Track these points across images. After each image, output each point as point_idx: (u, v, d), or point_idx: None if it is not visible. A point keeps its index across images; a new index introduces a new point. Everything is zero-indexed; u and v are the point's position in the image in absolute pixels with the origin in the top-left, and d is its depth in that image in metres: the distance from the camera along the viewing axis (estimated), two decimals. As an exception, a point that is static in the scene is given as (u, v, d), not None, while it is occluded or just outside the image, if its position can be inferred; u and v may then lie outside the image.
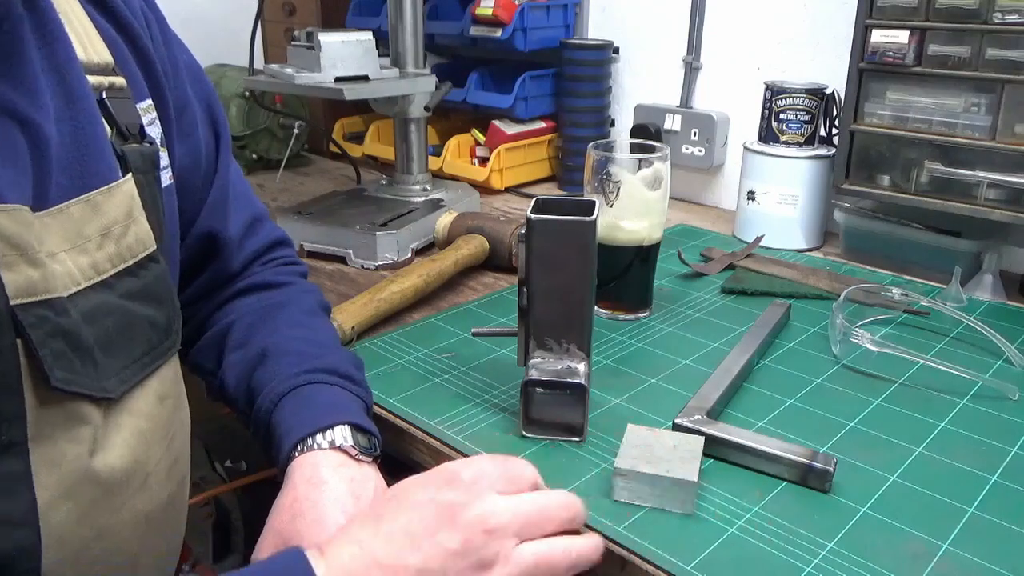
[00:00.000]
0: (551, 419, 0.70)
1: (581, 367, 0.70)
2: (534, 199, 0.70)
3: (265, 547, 0.57)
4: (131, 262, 0.55)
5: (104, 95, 0.55)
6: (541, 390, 0.70)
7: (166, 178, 0.62)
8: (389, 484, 0.66)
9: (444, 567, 0.48)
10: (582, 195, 0.75)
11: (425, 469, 0.72)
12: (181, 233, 0.67)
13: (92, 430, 0.50)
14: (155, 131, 0.61)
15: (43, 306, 0.47)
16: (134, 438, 0.54)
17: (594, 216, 0.67)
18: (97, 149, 0.53)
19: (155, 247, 0.57)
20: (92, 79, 0.54)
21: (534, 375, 0.69)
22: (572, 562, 0.52)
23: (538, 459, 0.67)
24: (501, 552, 0.49)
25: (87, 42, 0.55)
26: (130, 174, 0.55)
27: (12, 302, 0.45)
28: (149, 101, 0.61)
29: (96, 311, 0.51)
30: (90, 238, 0.51)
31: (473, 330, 0.79)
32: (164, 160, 0.62)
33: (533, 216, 0.67)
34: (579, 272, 0.69)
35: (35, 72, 0.49)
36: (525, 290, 0.69)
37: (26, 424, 0.46)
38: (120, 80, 0.57)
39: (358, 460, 0.62)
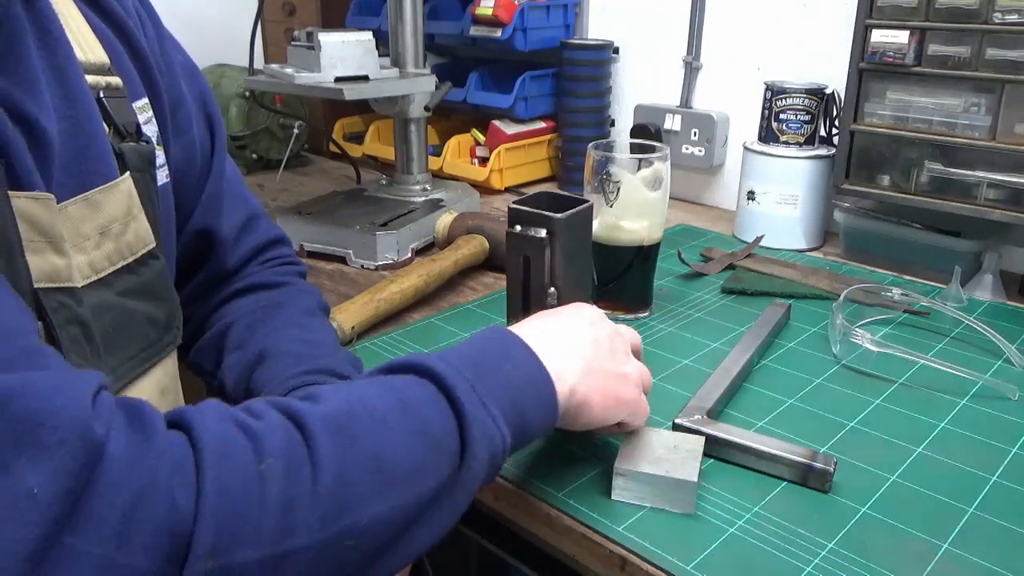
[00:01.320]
0: None
1: None
2: (510, 208, 0.71)
3: None
4: (130, 259, 0.55)
5: (101, 94, 0.56)
6: None
7: (162, 176, 0.62)
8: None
9: (610, 346, 0.60)
10: (574, 194, 0.76)
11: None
12: (177, 230, 0.67)
13: None
14: (151, 130, 0.61)
15: (63, 293, 0.48)
16: None
17: (587, 200, 0.69)
18: (97, 148, 0.53)
19: (154, 244, 0.57)
20: (89, 79, 0.55)
21: None
22: (643, 403, 0.64)
23: (540, 458, 0.67)
24: (639, 377, 0.62)
25: (83, 42, 0.56)
26: (128, 172, 0.56)
27: (36, 285, 0.46)
28: (145, 100, 0.61)
29: (96, 308, 0.51)
30: (88, 236, 0.52)
31: None
32: (160, 158, 0.62)
33: (558, 216, 0.68)
34: (586, 255, 0.71)
35: (36, 72, 0.49)
36: (553, 291, 0.69)
37: None
38: (116, 80, 0.57)
39: None
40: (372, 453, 0.43)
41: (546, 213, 0.68)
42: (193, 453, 0.38)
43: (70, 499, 0.34)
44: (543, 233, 0.68)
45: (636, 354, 0.65)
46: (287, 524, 0.39)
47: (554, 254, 0.69)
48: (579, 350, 0.58)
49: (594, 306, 0.65)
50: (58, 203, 0.50)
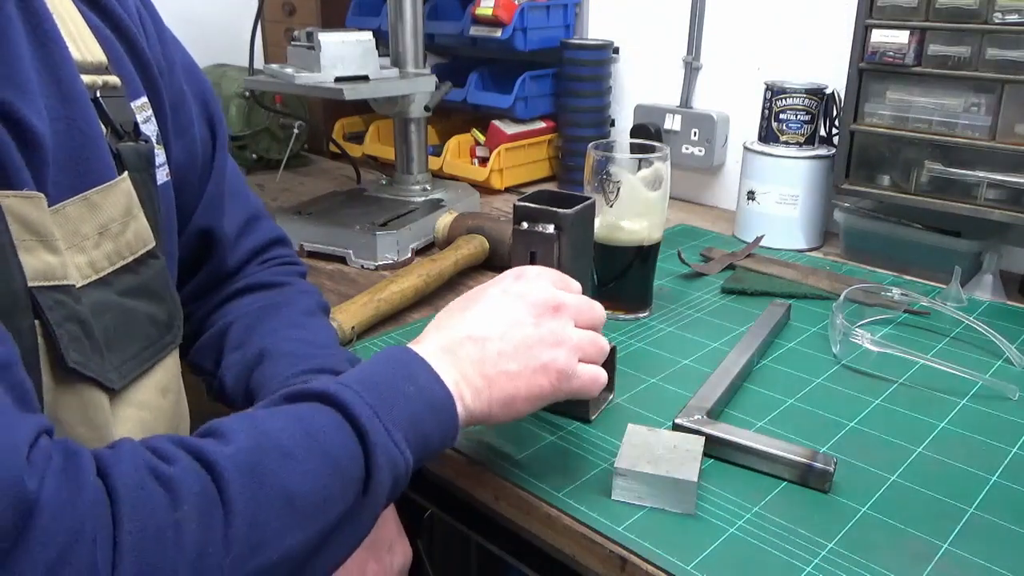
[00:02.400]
0: (598, 393, 0.74)
1: None
2: (515, 206, 0.71)
3: None
4: (130, 259, 0.55)
5: (98, 94, 0.55)
6: None
7: (162, 175, 0.62)
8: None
9: (523, 337, 0.58)
10: (570, 192, 0.77)
11: (424, 469, 0.72)
12: (178, 230, 0.67)
13: (103, 416, 0.51)
14: (150, 129, 0.61)
15: (59, 291, 0.48)
16: (138, 429, 0.55)
17: (589, 197, 0.71)
18: (93, 148, 0.53)
19: (154, 243, 0.58)
20: (86, 78, 0.55)
21: None
22: (601, 352, 0.62)
23: (539, 458, 0.67)
24: (565, 330, 0.59)
25: (80, 42, 0.56)
26: (126, 172, 0.56)
27: (30, 284, 0.46)
28: (144, 99, 0.61)
29: (96, 308, 0.51)
30: (87, 236, 0.52)
31: None
32: (160, 157, 0.62)
33: (567, 211, 0.68)
34: (589, 250, 0.74)
35: (27, 72, 0.49)
36: None
37: (43, 405, 0.47)
38: (114, 79, 0.57)
39: None
40: (282, 490, 0.44)
41: (554, 209, 0.69)
42: (110, 504, 0.39)
43: None
44: (551, 229, 0.69)
45: (584, 317, 0.62)
46: (202, 571, 0.40)
47: (562, 249, 0.69)
48: (490, 351, 0.57)
49: (537, 268, 0.63)
50: (56, 203, 0.50)
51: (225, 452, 0.43)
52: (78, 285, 0.51)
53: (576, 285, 0.64)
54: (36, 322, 0.46)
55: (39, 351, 0.47)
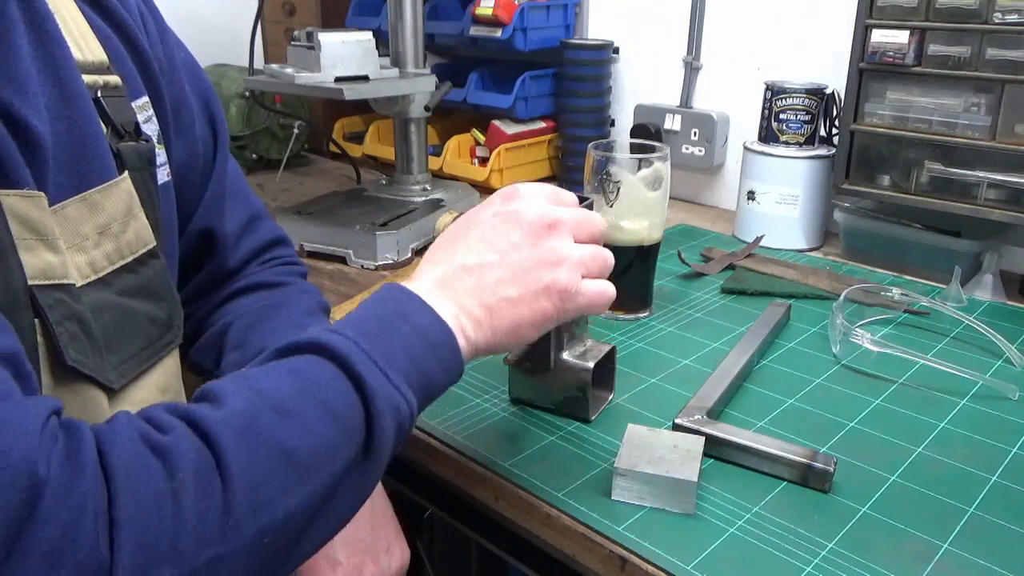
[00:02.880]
0: (597, 392, 0.75)
1: (591, 340, 0.75)
2: None
3: None
4: (130, 259, 0.55)
5: (99, 94, 0.55)
6: (597, 371, 0.72)
7: (163, 175, 0.62)
8: (385, 485, 0.66)
9: (520, 260, 0.56)
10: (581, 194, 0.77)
11: (424, 469, 0.72)
12: (179, 231, 0.67)
13: (102, 415, 0.51)
14: (151, 128, 0.61)
15: (60, 290, 0.48)
16: None
17: (588, 196, 0.71)
18: (93, 148, 0.53)
19: (155, 243, 0.58)
20: (87, 78, 0.55)
21: (591, 361, 0.71)
22: (605, 265, 0.60)
23: (539, 458, 0.67)
24: (564, 247, 0.57)
25: (82, 41, 0.56)
26: (127, 172, 0.56)
27: (30, 283, 0.46)
28: (145, 99, 0.61)
29: (95, 308, 0.52)
30: (87, 236, 0.52)
31: (506, 358, 0.76)
32: (161, 157, 0.62)
33: None
34: None
35: (28, 72, 0.49)
36: None
37: None
38: (115, 79, 0.57)
39: None
40: (280, 447, 0.43)
41: None
42: (105, 480, 0.39)
43: (7, 536, 0.35)
44: None
45: (582, 230, 0.59)
46: (204, 537, 0.40)
47: None
48: (487, 279, 0.55)
49: (528, 185, 0.61)
50: (57, 203, 0.50)
51: (218, 416, 0.43)
52: (78, 285, 0.51)
53: (571, 197, 0.62)
54: (36, 320, 0.47)
55: (39, 349, 0.47)
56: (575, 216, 0.59)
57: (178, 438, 0.41)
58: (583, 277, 0.57)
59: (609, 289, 0.59)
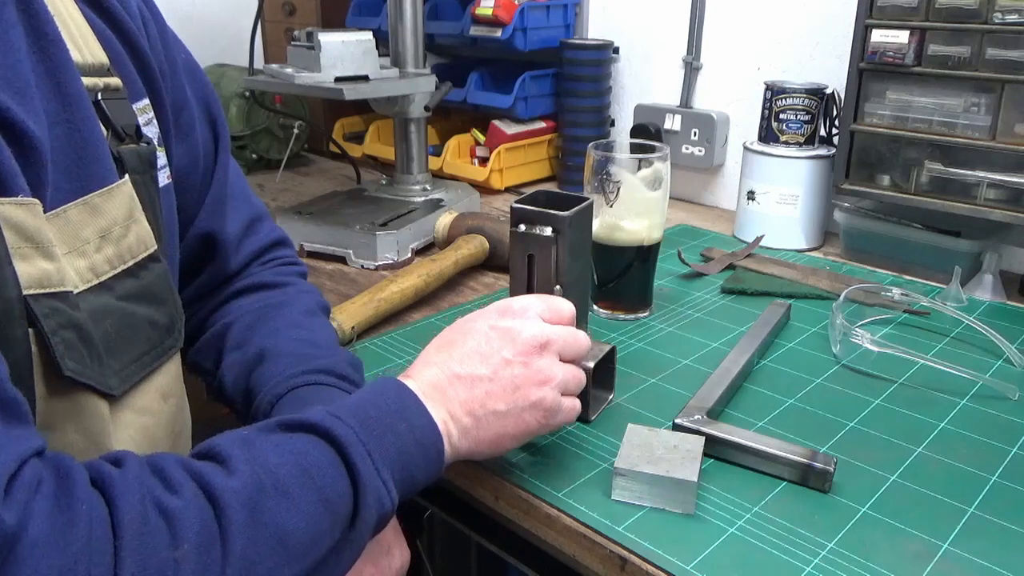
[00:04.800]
0: (597, 393, 0.75)
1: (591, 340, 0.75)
2: (512, 208, 0.71)
3: None
4: (131, 263, 0.55)
5: (99, 96, 0.55)
6: (597, 371, 0.72)
7: (164, 178, 0.62)
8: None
9: (511, 377, 0.58)
10: (569, 192, 0.77)
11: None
12: (180, 233, 0.67)
13: (100, 423, 0.51)
14: (152, 131, 0.61)
15: (56, 298, 0.47)
16: (139, 434, 0.54)
17: (587, 197, 0.72)
18: (94, 151, 0.53)
19: (156, 247, 0.57)
20: (87, 80, 0.54)
21: (590, 361, 0.71)
22: (580, 384, 0.63)
23: (540, 458, 0.67)
24: (551, 367, 0.60)
25: (82, 43, 0.55)
26: (127, 175, 0.55)
27: (25, 292, 0.45)
28: (146, 101, 0.61)
29: (96, 313, 0.51)
30: (88, 240, 0.51)
31: None
32: (161, 160, 0.62)
33: (565, 213, 0.68)
34: (587, 252, 0.74)
35: (26, 76, 0.49)
36: (559, 288, 0.70)
37: (35, 413, 0.47)
38: (115, 81, 0.57)
39: None
40: (277, 530, 0.45)
41: (552, 211, 0.69)
42: (113, 537, 0.39)
43: None
44: (549, 231, 0.68)
45: (569, 350, 0.62)
46: None
47: (560, 252, 0.69)
48: (478, 391, 0.58)
49: (524, 299, 0.63)
50: (57, 208, 0.50)
51: (230, 486, 0.44)
52: (78, 290, 0.50)
53: (565, 307, 0.64)
54: (30, 330, 0.46)
55: (33, 359, 0.46)
56: (564, 336, 0.62)
57: (187, 503, 0.42)
58: (562, 395, 0.61)
59: (578, 406, 0.63)
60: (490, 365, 0.59)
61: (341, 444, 0.49)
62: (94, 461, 0.43)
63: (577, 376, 0.63)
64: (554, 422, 0.61)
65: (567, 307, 0.64)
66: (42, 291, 0.47)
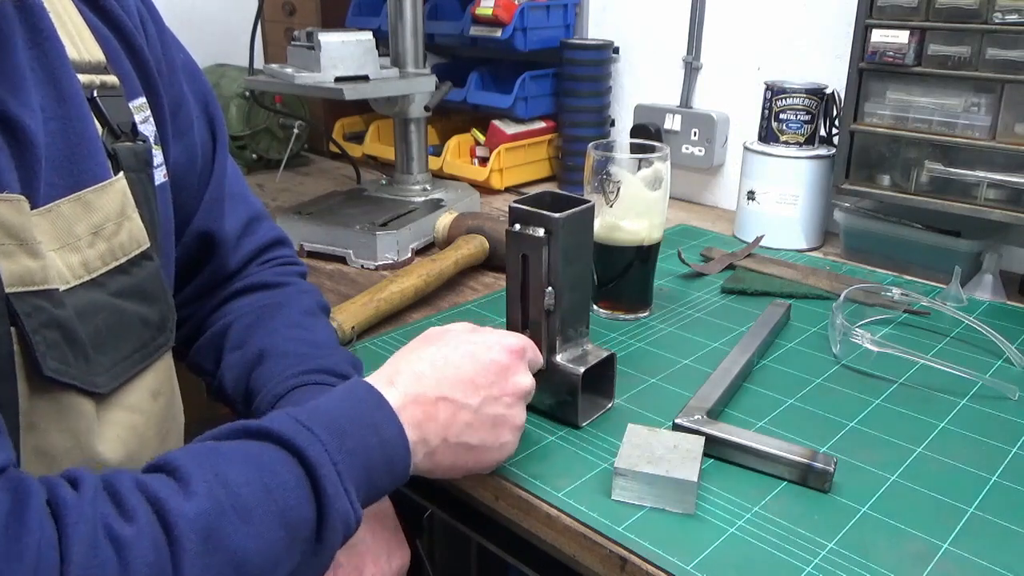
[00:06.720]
0: (592, 398, 0.74)
1: (591, 345, 0.75)
2: (510, 207, 0.71)
3: None
4: (123, 260, 0.55)
5: (95, 94, 0.55)
6: (590, 376, 0.72)
7: (160, 176, 0.62)
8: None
9: (493, 416, 0.60)
10: (574, 194, 0.77)
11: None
12: (177, 232, 0.67)
13: (85, 422, 0.50)
14: (148, 129, 0.61)
15: (39, 296, 0.47)
16: (127, 432, 0.54)
17: (588, 200, 0.71)
18: (87, 148, 0.53)
19: (148, 245, 0.57)
20: (83, 78, 0.54)
21: (583, 367, 0.71)
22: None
23: (539, 458, 0.67)
24: (523, 414, 0.62)
25: (79, 41, 0.55)
26: (122, 172, 0.55)
27: (7, 290, 0.45)
28: (142, 99, 0.61)
29: (86, 309, 0.51)
30: (81, 236, 0.51)
31: None
32: (158, 158, 0.62)
33: (557, 215, 0.68)
34: (587, 255, 0.73)
35: (22, 71, 0.49)
36: (551, 290, 0.70)
37: (18, 413, 0.46)
38: (112, 78, 0.57)
39: None
40: (234, 555, 0.44)
41: (545, 212, 0.69)
42: (60, 569, 0.38)
43: None
44: (541, 232, 0.68)
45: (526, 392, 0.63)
46: None
47: (552, 254, 0.69)
48: (460, 419, 0.58)
49: (518, 338, 0.64)
50: (50, 203, 0.49)
51: (186, 512, 0.43)
52: (69, 286, 0.50)
53: (537, 357, 0.66)
54: (12, 329, 0.45)
55: (14, 358, 0.46)
56: (533, 388, 0.64)
57: (139, 531, 0.41)
58: None
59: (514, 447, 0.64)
60: (478, 397, 0.59)
61: (311, 464, 0.48)
62: (51, 480, 0.42)
63: (521, 425, 0.64)
64: (500, 462, 0.63)
65: (537, 356, 0.66)
66: (25, 289, 0.46)
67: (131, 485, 0.43)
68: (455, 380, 0.58)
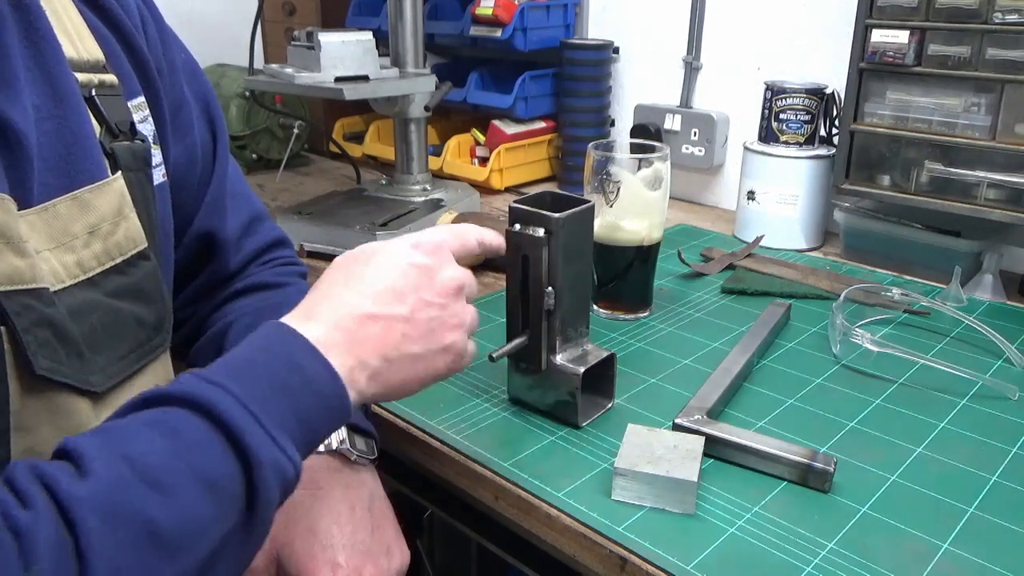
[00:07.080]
0: (592, 398, 0.74)
1: (591, 345, 0.75)
2: (510, 207, 0.71)
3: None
4: (119, 260, 0.54)
5: (93, 92, 0.55)
6: (590, 376, 0.71)
7: (159, 176, 0.62)
8: (385, 485, 0.66)
9: (428, 319, 0.56)
10: (574, 195, 0.77)
11: (424, 469, 0.72)
12: (178, 233, 0.67)
13: (80, 422, 0.50)
14: (147, 128, 0.60)
15: (29, 295, 0.47)
16: None
17: (589, 200, 0.71)
18: (84, 147, 0.53)
19: (146, 245, 0.57)
20: (81, 76, 0.54)
21: (582, 367, 0.71)
22: (476, 326, 0.62)
23: (539, 458, 0.67)
24: (464, 311, 0.59)
25: (77, 40, 0.55)
26: (119, 172, 0.55)
27: None
28: (141, 98, 0.60)
29: (81, 308, 0.51)
30: (76, 236, 0.51)
31: (491, 355, 0.73)
32: (157, 158, 0.61)
33: (556, 215, 0.68)
34: (587, 255, 0.73)
35: (15, 70, 0.49)
36: (551, 290, 0.70)
37: (9, 413, 0.46)
38: (110, 77, 0.57)
39: (355, 465, 0.62)
40: (146, 529, 0.40)
41: (545, 212, 0.69)
42: None
43: None
44: (541, 232, 0.68)
45: (473, 292, 0.62)
46: None
47: (552, 254, 0.69)
48: (394, 332, 0.54)
49: (437, 234, 0.61)
50: (46, 202, 0.49)
51: (81, 494, 0.40)
52: (64, 285, 0.50)
53: (470, 232, 0.63)
54: (2, 328, 0.45)
55: (6, 357, 0.45)
56: (471, 279, 0.61)
57: (39, 517, 0.39)
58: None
59: (475, 348, 0.62)
60: (407, 305, 0.55)
61: (220, 416, 0.44)
62: None
63: (476, 318, 0.62)
64: (459, 366, 0.60)
65: (472, 232, 0.63)
66: (12, 288, 0.46)
67: (25, 472, 0.41)
68: (375, 293, 0.55)
